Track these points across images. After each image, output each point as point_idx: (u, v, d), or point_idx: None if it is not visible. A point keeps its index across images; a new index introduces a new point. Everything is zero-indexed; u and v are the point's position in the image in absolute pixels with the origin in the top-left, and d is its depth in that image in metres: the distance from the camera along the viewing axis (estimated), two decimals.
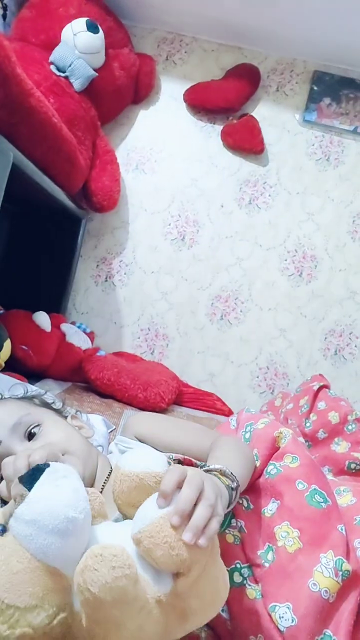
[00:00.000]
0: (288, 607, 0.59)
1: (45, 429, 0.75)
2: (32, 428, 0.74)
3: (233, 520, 0.71)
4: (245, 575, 0.66)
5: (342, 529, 0.68)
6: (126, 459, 0.57)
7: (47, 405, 0.85)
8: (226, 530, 0.70)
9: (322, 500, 0.71)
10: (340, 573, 0.62)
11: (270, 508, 0.72)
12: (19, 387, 1.14)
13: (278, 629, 0.59)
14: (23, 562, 0.42)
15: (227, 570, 0.58)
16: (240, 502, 0.74)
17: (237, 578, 0.66)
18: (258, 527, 0.71)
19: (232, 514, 0.72)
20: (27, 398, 0.86)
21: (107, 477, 0.79)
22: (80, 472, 0.73)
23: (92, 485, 0.76)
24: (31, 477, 0.46)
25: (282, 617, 0.59)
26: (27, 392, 0.95)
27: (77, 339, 1.82)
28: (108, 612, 0.40)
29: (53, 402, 0.87)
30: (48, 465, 0.48)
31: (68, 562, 0.44)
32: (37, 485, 0.45)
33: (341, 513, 0.72)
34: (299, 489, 0.72)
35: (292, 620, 0.58)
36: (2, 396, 0.84)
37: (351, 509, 0.75)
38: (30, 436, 0.74)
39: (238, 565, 0.67)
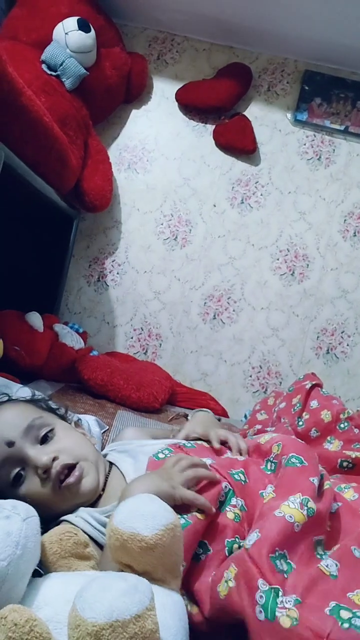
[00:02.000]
0: (256, 532, 0.61)
1: (57, 433, 0.75)
2: (44, 432, 0.74)
3: (234, 499, 0.72)
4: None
5: (314, 480, 0.69)
6: (121, 512, 0.50)
7: (52, 410, 0.85)
8: (227, 508, 0.71)
9: (298, 462, 0.74)
10: (306, 508, 0.63)
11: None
12: (26, 390, 1.14)
13: (246, 549, 0.59)
14: None
15: (227, 542, 0.64)
16: (239, 478, 0.76)
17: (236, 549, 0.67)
18: (254, 505, 0.72)
19: (233, 492, 0.73)
20: (35, 401, 0.86)
21: (105, 481, 0.79)
22: (94, 479, 0.74)
23: (97, 491, 0.76)
24: None
25: (250, 540, 0.60)
26: (34, 395, 0.95)
27: (70, 339, 1.81)
28: None
29: (58, 408, 0.87)
30: None
31: None
32: None
33: (318, 470, 0.74)
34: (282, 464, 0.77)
35: (257, 536, 0.59)
36: (9, 397, 0.83)
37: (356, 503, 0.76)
38: (42, 440, 0.74)
39: (237, 539, 0.68)
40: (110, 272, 2.17)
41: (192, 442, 0.87)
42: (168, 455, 0.79)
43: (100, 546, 0.66)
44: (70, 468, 0.73)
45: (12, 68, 1.11)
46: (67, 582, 0.48)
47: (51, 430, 0.75)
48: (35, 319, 1.70)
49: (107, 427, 1.30)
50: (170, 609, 0.46)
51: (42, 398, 0.92)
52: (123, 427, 1.38)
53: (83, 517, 0.71)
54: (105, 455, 0.86)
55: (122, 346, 2.17)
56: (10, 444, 0.70)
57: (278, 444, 0.83)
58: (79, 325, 2.03)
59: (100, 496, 0.77)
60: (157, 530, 0.47)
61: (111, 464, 0.84)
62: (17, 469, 0.70)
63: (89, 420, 1.20)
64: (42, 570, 0.51)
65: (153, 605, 0.38)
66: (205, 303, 2.16)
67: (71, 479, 0.71)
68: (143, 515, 0.48)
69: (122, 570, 0.49)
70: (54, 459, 0.71)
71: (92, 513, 0.71)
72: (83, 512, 0.72)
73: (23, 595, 0.44)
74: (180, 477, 0.68)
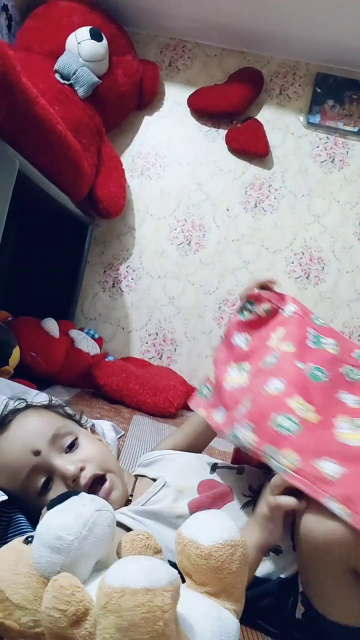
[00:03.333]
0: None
1: (81, 442, 0.75)
2: (68, 440, 0.74)
3: None
4: None
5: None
6: (190, 520, 0.54)
7: (70, 417, 0.84)
8: None
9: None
10: None
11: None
12: (43, 396, 1.13)
13: None
14: (25, 567, 0.48)
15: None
16: None
17: None
18: None
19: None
20: (53, 407, 0.86)
21: (132, 489, 0.80)
22: (122, 492, 0.74)
23: (125, 501, 0.77)
24: (56, 501, 0.52)
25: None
26: (51, 401, 0.95)
27: (86, 344, 1.82)
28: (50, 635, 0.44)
29: (75, 415, 0.87)
30: (77, 493, 0.54)
31: None
32: (53, 508, 0.51)
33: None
34: None
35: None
36: (27, 403, 0.83)
37: None
38: (66, 448, 0.74)
39: None
40: (124, 278, 2.18)
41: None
42: None
43: None
44: (99, 478, 0.72)
45: (26, 78, 1.12)
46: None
47: (75, 439, 0.75)
48: (52, 325, 1.72)
49: (123, 433, 1.30)
50: (206, 617, 0.47)
51: (60, 404, 0.92)
52: (139, 432, 1.38)
53: (124, 513, 0.71)
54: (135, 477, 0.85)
55: (137, 351, 2.17)
56: (37, 452, 0.70)
57: None
58: (94, 331, 2.04)
59: (128, 502, 0.77)
60: (215, 543, 0.50)
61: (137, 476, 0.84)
62: (44, 478, 0.70)
63: (105, 426, 1.21)
64: None
65: (170, 589, 0.41)
66: (219, 307, 2.16)
67: (102, 494, 0.71)
68: (206, 527, 0.52)
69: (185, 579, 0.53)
70: (82, 469, 0.71)
71: (129, 509, 0.73)
72: (122, 510, 0.73)
73: (88, 579, 0.49)
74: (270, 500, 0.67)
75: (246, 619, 0.61)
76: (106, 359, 1.83)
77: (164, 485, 0.76)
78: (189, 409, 1.90)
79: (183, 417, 1.75)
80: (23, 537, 0.53)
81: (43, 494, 0.70)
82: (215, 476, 0.80)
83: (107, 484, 0.72)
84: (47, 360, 1.64)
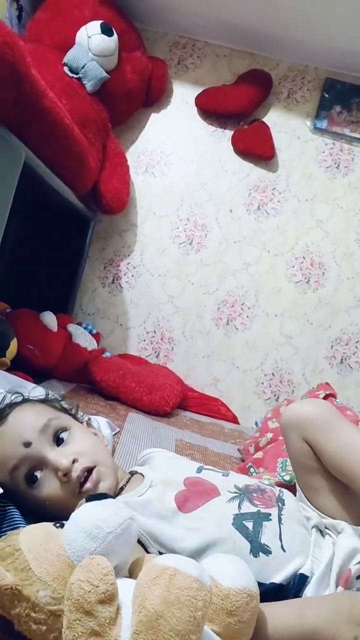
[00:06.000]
0: None
1: (73, 435, 0.75)
2: (60, 433, 0.74)
3: None
4: None
5: None
6: (217, 558, 0.55)
7: (66, 411, 0.85)
8: None
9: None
10: None
11: None
12: (40, 390, 1.14)
13: None
14: (55, 546, 0.51)
15: None
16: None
17: None
18: None
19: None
20: (49, 401, 0.86)
21: (125, 483, 0.80)
22: (111, 483, 0.74)
23: (114, 493, 0.77)
24: (94, 497, 0.55)
25: None
26: (47, 395, 0.95)
27: (83, 339, 1.82)
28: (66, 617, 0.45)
29: (71, 409, 0.87)
30: (113, 497, 0.58)
31: None
32: (93, 502, 0.54)
33: None
34: None
35: None
36: (23, 397, 0.83)
37: None
38: (59, 441, 0.74)
39: None
40: (125, 275, 2.17)
41: None
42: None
43: None
44: (89, 471, 0.72)
45: (35, 70, 1.12)
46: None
47: (67, 431, 0.75)
48: (50, 319, 1.71)
49: (118, 430, 1.30)
50: None
51: (56, 398, 0.92)
52: (134, 429, 1.38)
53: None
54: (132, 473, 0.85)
55: (134, 348, 2.17)
56: (27, 444, 0.70)
57: None
58: (92, 326, 2.03)
59: (119, 494, 0.77)
60: (234, 586, 0.49)
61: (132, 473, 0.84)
62: (34, 470, 0.70)
63: (100, 422, 1.20)
64: None
65: (210, 594, 0.45)
66: (218, 308, 2.15)
67: (89, 485, 0.71)
68: (230, 568, 0.52)
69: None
70: (74, 462, 0.71)
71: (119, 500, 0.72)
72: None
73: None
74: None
75: None
76: (103, 355, 1.83)
77: (150, 485, 0.76)
78: (184, 409, 1.90)
79: (178, 417, 1.75)
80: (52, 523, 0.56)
81: (32, 487, 0.70)
82: (201, 475, 0.80)
83: (94, 475, 0.72)
84: (44, 354, 1.63)
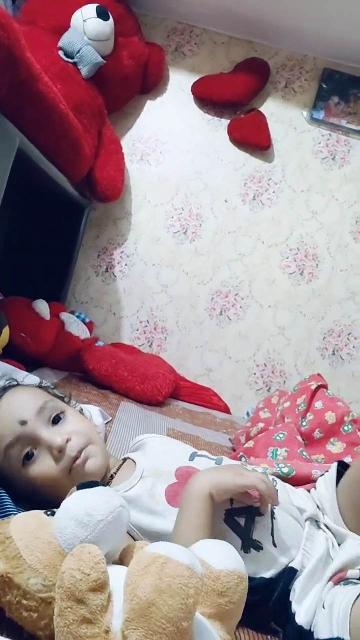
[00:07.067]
0: None
1: (68, 417, 0.77)
2: (57, 413, 0.76)
3: None
4: None
5: None
6: (209, 545, 0.56)
7: (59, 397, 0.87)
8: None
9: None
10: None
11: None
12: (33, 377, 1.16)
13: None
14: (46, 534, 0.52)
15: None
16: None
17: None
18: None
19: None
20: (43, 388, 0.89)
21: (116, 470, 0.81)
22: (100, 462, 0.75)
23: (104, 477, 0.78)
24: (86, 485, 0.56)
25: None
26: (41, 382, 0.98)
27: (76, 328, 1.81)
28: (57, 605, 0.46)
29: (64, 396, 0.89)
30: (104, 484, 0.58)
31: None
32: (84, 490, 0.55)
33: None
34: None
35: None
36: (18, 383, 0.85)
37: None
38: (54, 421, 0.75)
39: None
40: (118, 263, 2.16)
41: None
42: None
43: None
44: (82, 450, 0.74)
45: (30, 53, 1.10)
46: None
47: (62, 413, 0.77)
48: (42, 307, 1.70)
49: (110, 418, 1.30)
50: (204, 627, 0.48)
51: (49, 386, 0.94)
52: (126, 418, 1.38)
53: None
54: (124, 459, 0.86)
55: (127, 337, 2.16)
56: (23, 422, 0.72)
57: None
58: (85, 315, 2.02)
59: (110, 482, 0.78)
60: (225, 568, 0.51)
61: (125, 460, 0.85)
62: (29, 448, 0.71)
63: (93, 411, 1.20)
64: None
65: (200, 581, 0.45)
66: (212, 298, 2.15)
67: (79, 461, 0.72)
68: (220, 552, 0.54)
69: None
70: (68, 440, 0.72)
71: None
72: None
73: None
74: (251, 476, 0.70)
75: None
76: (96, 344, 1.82)
77: (141, 476, 0.77)
78: (176, 398, 1.91)
79: (170, 406, 1.75)
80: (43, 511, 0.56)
81: (26, 465, 0.71)
82: (193, 464, 0.80)
83: (83, 453, 0.73)
84: (36, 342, 1.63)
